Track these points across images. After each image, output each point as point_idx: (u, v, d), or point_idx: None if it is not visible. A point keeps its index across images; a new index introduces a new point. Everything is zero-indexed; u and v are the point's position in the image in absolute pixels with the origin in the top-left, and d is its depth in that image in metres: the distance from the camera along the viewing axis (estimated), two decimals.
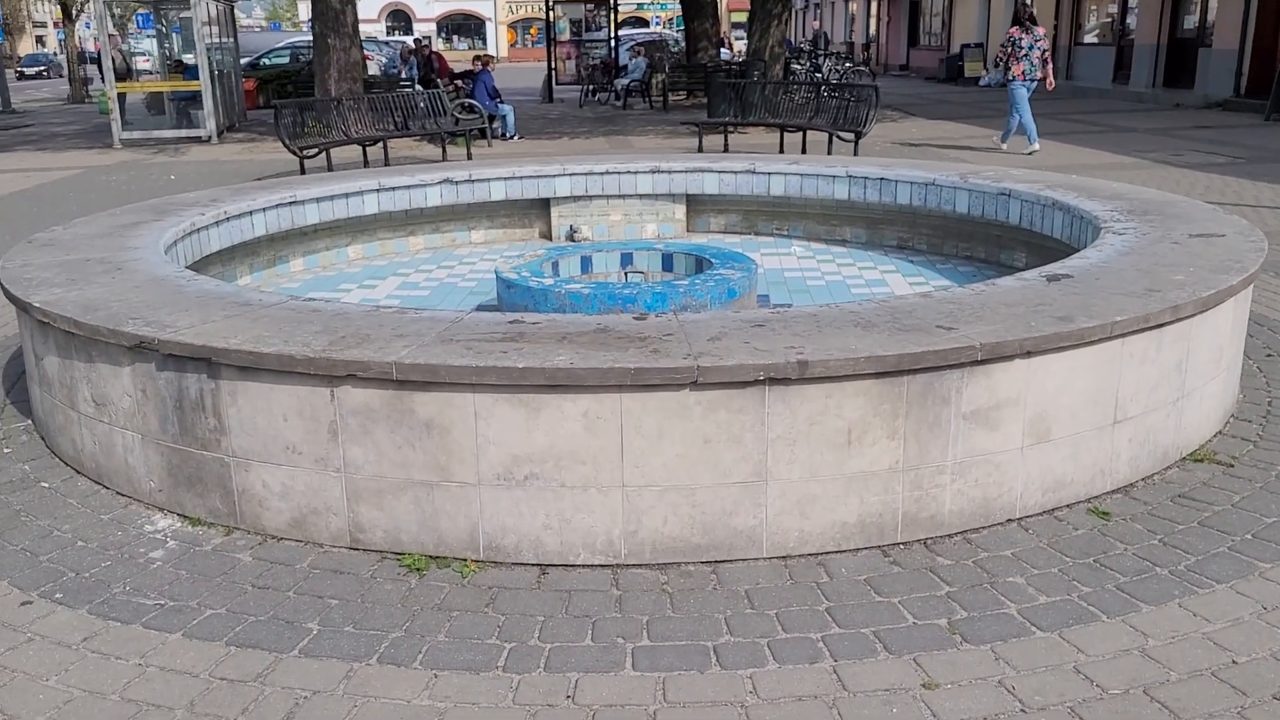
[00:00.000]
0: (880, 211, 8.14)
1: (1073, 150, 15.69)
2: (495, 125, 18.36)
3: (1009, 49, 15.30)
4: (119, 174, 14.97)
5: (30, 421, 5.01)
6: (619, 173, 8.42)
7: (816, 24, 54.82)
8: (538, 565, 3.62)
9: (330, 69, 17.33)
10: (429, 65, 23.50)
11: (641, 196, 8.53)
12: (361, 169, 11.62)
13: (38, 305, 4.26)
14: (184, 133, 19.19)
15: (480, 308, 6.73)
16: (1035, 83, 15.27)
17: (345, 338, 3.71)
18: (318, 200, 7.42)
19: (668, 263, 6.71)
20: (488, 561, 3.63)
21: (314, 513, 3.75)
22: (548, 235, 8.65)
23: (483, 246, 8.47)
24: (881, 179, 7.79)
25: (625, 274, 6.79)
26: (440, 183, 8.03)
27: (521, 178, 8.29)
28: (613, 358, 3.44)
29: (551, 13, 27.99)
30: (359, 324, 3.87)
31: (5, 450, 4.72)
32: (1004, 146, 15.90)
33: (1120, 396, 3.89)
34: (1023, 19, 15.46)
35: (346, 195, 7.59)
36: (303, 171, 13.51)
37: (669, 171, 8.42)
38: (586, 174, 8.39)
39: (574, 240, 8.51)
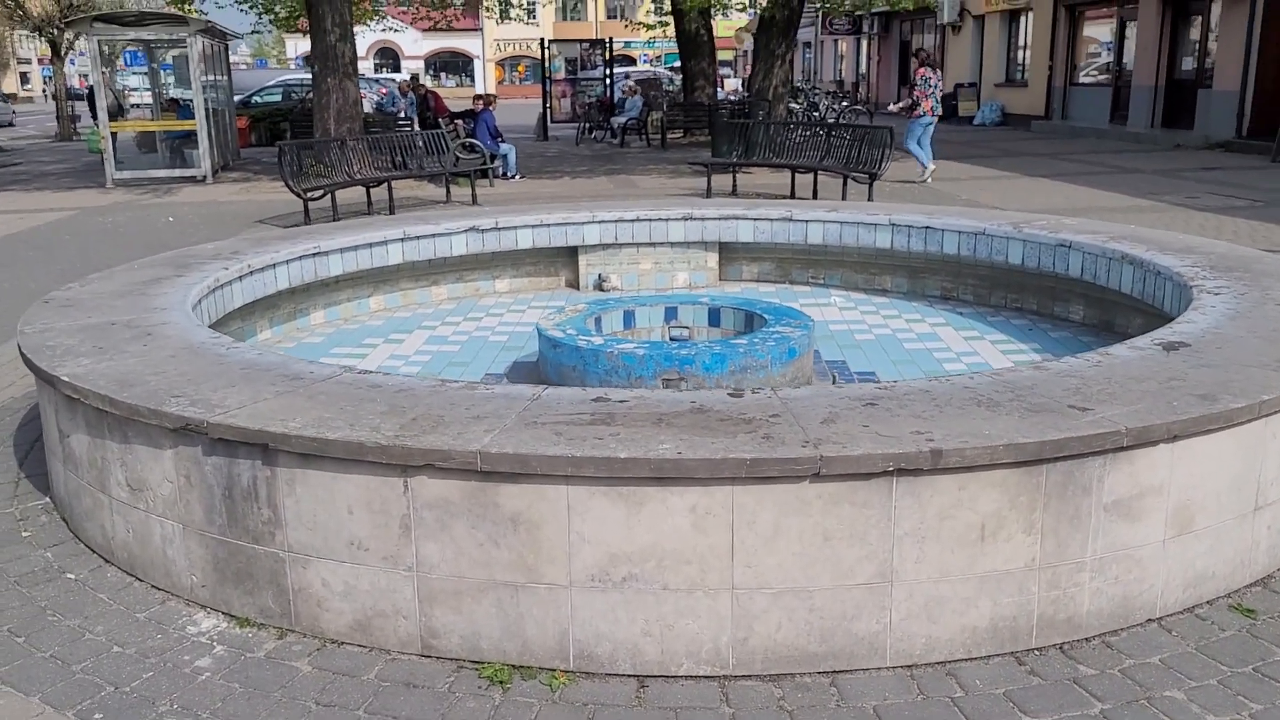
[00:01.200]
0: (922, 261, 7.84)
1: (1087, 191, 15.50)
2: (496, 164, 18.07)
3: (921, 88, 16.57)
4: (115, 215, 14.57)
5: (49, 499, 4.61)
6: (650, 219, 8.10)
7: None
8: (635, 677, 3.24)
9: (329, 108, 17.03)
10: (424, 104, 23.24)
11: (673, 244, 8.21)
12: (385, 216, 11.30)
13: (66, 379, 3.88)
14: (178, 172, 18.80)
15: (516, 364, 6.37)
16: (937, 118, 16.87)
17: (416, 420, 3.34)
18: (341, 251, 7.06)
19: (714, 318, 6.37)
20: (579, 672, 3.25)
21: (380, 615, 3.37)
22: (575, 284, 8.31)
23: (508, 296, 8.12)
24: (927, 228, 7.50)
25: (669, 329, 6.45)
26: (466, 231, 7.68)
27: (549, 225, 7.96)
28: (723, 446, 3.09)
29: (547, 51, 27.81)
30: (428, 403, 3.51)
31: (24, 534, 4.32)
32: (929, 179, 16.44)
33: (1262, 480, 3.56)
34: (930, 61, 17.05)
35: (370, 245, 7.23)
36: (306, 214, 13.17)
37: (701, 219, 8.11)
38: (616, 221, 8.06)
39: (603, 289, 8.17)
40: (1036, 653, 3.31)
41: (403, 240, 7.40)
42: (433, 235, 7.54)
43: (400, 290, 7.79)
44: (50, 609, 3.71)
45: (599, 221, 8.03)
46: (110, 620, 3.63)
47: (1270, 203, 13.86)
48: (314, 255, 6.85)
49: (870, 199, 13.48)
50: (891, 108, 19.01)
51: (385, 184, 14.18)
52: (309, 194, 13.02)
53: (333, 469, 3.28)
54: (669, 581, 3.15)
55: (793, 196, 14.66)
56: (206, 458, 3.50)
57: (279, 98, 28.37)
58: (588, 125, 26.80)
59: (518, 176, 18.50)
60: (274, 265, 6.53)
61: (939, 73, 17.01)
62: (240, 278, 6.16)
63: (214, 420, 3.41)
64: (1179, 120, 22.99)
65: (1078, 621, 3.35)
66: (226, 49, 22.60)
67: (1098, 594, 3.35)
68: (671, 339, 6.47)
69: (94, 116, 21.11)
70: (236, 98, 24.23)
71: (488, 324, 7.36)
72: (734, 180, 15.88)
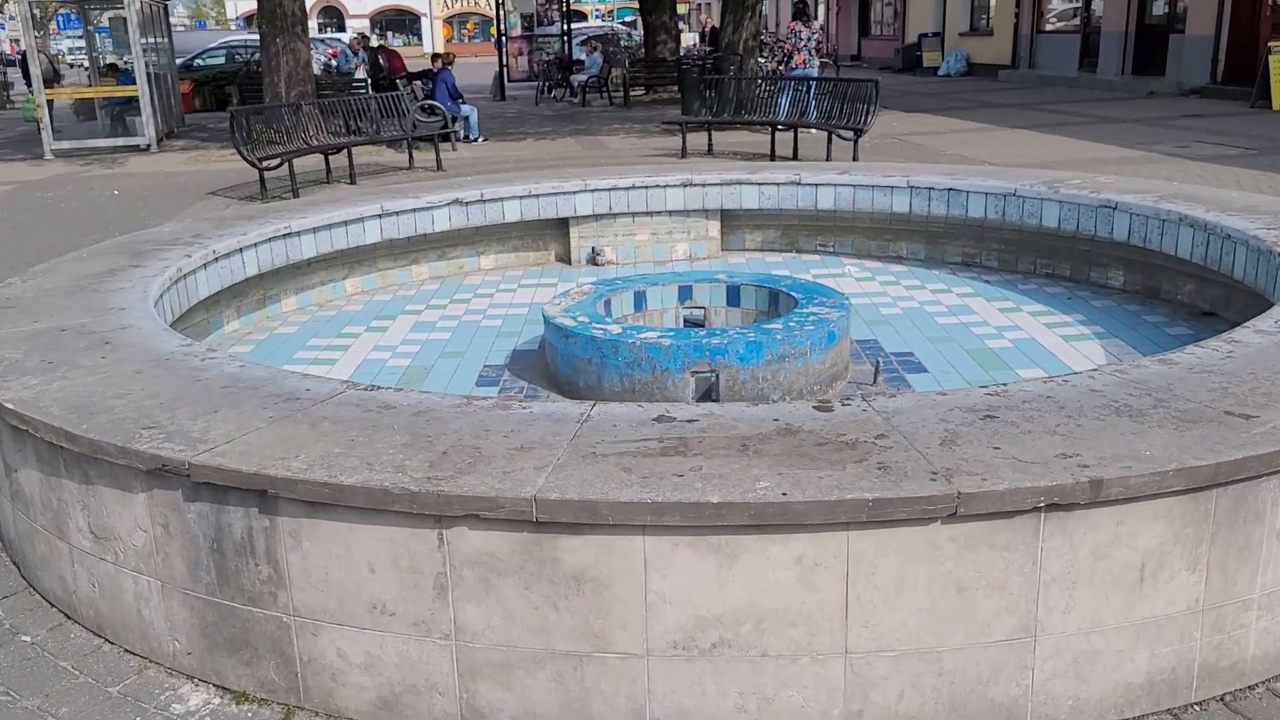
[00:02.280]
0: (941, 225, 7.30)
1: (1071, 143, 15.04)
2: (457, 127, 17.27)
3: (792, 40, 16.63)
4: (56, 189, 13.65)
5: None
6: (646, 187, 7.48)
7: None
8: None
9: (279, 71, 16.14)
10: (376, 63, 22.28)
11: (671, 213, 7.60)
12: (349, 186, 10.60)
13: (10, 406, 3.22)
14: (120, 141, 17.80)
15: (517, 353, 5.76)
16: (814, 69, 16.67)
17: (447, 454, 2.74)
18: (314, 230, 6.38)
19: (733, 297, 5.80)
20: None
21: (411, 691, 2.78)
22: (566, 258, 7.68)
23: (495, 274, 7.48)
24: (950, 190, 6.94)
25: (683, 310, 5.87)
26: (449, 204, 7.02)
27: (538, 195, 7.31)
28: (834, 482, 2.52)
29: (502, 8, 26.87)
30: (456, 429, 2.90)
31: None
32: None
33: None
34: (804, 14, 17.10)
35: (346, 223, 6.56)
36: (263, 184, 12.40)
37: (702, 185, 7.50)
38: (610, 189, 7.44)
39: (596, 263, 7.56)
40: (1197, 708, 2.79)
41: (380, 216, 6.73)
42: (413, 210, 6.88)
43: (378, 270, 7.12)
44: (3, 684, 3.08)
45: (592, 190, 7.40)
46: (78, 699, 3.01)
47: (1264, 150, 13.46)
48: (284, 236, 6.17)
49: (855, 157, 12.92)
50: (764, 63, 18.28)
51: (345, 151, 13.39)
52: (264, 163, 12.22)
53: (349, 519, 2.68)
54: (769, 647, 2.59)
55: (773, 155, 14.07)
56: (189, 504, 2.88)
57: (223, 60, 27.21)
58: (547, 84, 25.95)
59: (481, 139, 17.75)
60: (241, 249, 5.85)
61: (812, 25, 17.26)
62: (205, 265, 5.48)
63: (197, 460, 2.78)
64: (1150, 67, 22.59)
65: (1241, 668, 2.83)
66: (166, 9, 21.48)
67: (1264, 634, 2.83)
68: (686, 321, 5.90)
69: (28, 84, 20.01)
70: (178, 61, 23.12)
71: (477, 306, 6.72)
72: (709, 139, 15.23)
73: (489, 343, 5.99)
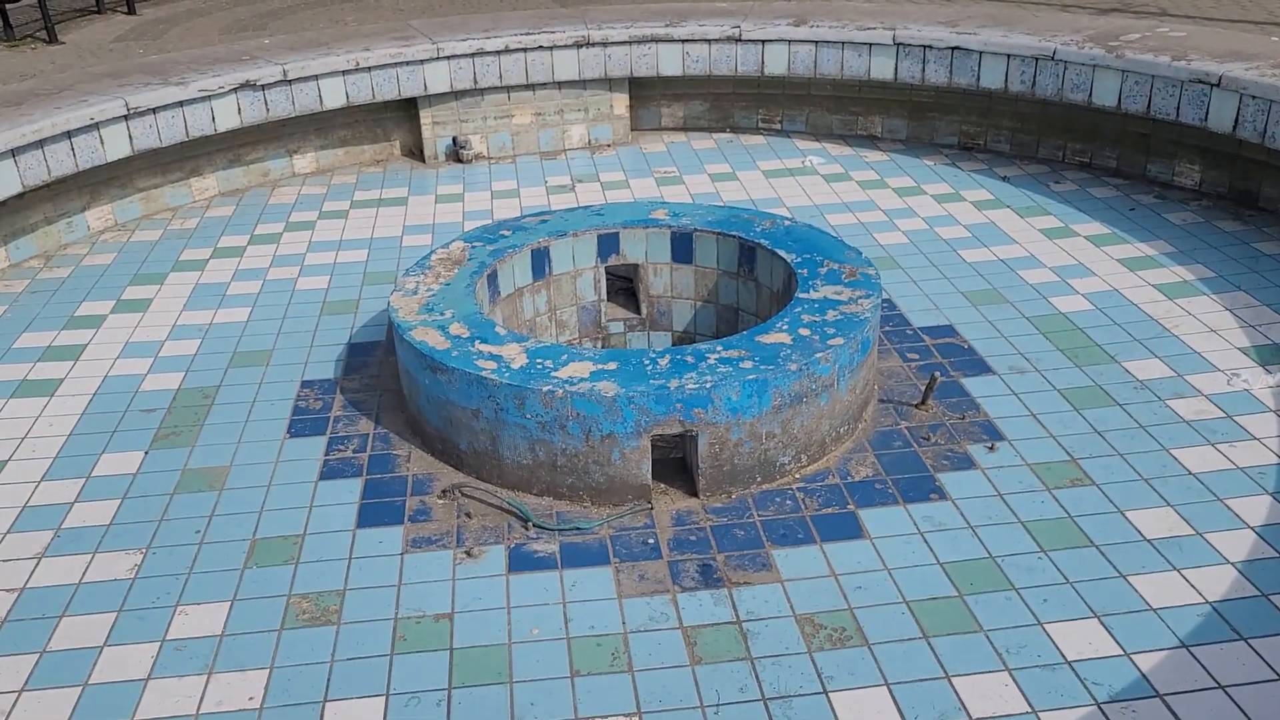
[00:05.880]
0: (929, 92, 5.36)
1: None
2: None
3: None
4: None
5: None
6: (525, 49, 5.27)
7: None
8: None
9: None
10: None
11: (561, 85, 5.44)
12: (93, 71, 8.00)
13: None
14: None
15: (354, 351, 3.71)
16: None
17: None
18: (13, 153, 4.06)
19: (683, 250, 3.82)
20: None
21: None
22: (416, 153, 5.49)
23: (316, 182, 5.25)
24: (956, 49, 4.97)
25: (605, 268, 3.87)
26: (236, 89, 4.72)
27: (371, 68, 5.05)
28: None
29: None
30: None
31: None
32: None
33: None
34: None
35: (69, 134, 4.24)
36: (7, 22, 9.55)
37: (604, 44, 5.33)
38: (474, 54, 5.21)
39: (461, 159, 5.40)
40: None
41: (126, 118, 4.42)
42: (179, 104, 4.57)
43: (138, 192, 4.83)
44: None
45: (448, 57, 5.17)
46: None
47: None
48: None
49: None
50: None
51: None
52: None
53: None
54: None
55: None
56: None
57: None
58: None
59: None
60: None
61: None
62: None
63: None
64: None
65: None
66: None
67: None
68: (610, 276, 3.92)
69: None
70: None
71: (290, 249, 4.55)
72: None
73: (309, 328, 3.90)
